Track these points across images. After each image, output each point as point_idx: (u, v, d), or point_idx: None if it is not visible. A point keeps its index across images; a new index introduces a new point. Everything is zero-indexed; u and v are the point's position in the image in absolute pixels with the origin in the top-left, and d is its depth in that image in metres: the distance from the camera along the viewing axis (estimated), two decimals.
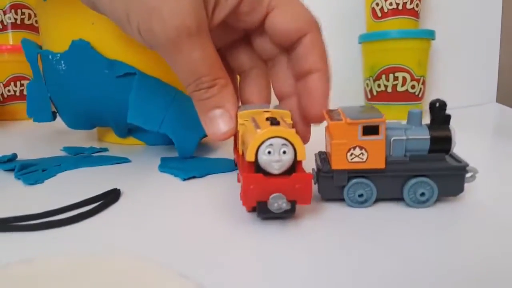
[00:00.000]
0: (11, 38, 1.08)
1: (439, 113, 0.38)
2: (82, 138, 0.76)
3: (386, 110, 0.91)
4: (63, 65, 0.60)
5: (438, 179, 0.37)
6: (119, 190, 0.43)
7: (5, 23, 1.07)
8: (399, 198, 0.38)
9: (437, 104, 0.38)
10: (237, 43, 0.44)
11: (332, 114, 0.39)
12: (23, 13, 1.07)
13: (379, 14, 0.93)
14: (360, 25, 1.04)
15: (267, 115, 0.37)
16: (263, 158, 0.33)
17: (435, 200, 0.37)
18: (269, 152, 0.33)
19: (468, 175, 0.37)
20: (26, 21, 1.08)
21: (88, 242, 0.32)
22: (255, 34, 0.42)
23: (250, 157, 0.33)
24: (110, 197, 0.41)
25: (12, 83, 1.06)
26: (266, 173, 0.33)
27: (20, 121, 1.05)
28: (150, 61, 0.58)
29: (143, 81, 0.55)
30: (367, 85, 0.95)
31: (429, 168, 0.37)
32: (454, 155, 0.39)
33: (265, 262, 0.29)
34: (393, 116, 0.88)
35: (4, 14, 1.06)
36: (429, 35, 0.90)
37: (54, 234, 0.34)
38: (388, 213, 0.37)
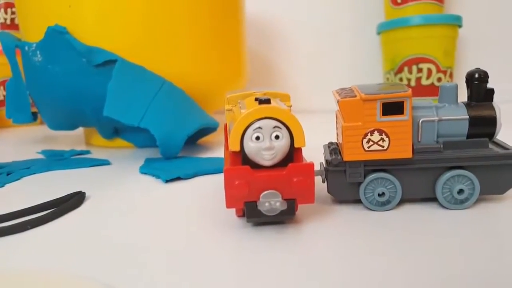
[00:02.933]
0: None
1: (480, 87, 0.30)
2: (68, 142, 0.70)
3: None
4: (39, 56, 0.53)
5: (480, 171, 0.30)
6: (84, 193, 0.36)
7: None
8: (430, 198, 0.30)
9: (477, 75, 0.30)
10: None
11: (342, 92, 0.31)
12: (13, 12, 1.01)
13: (399, 0, 0.85)
14: (377, 14, 0.97)
15: (259, 95, 0.30)
16: (251, 146, 0.26)
17: (476, 199, 0.29)
18: (257, 138, 0.25)
19: None
20: (16, 21, 1.02)
21: (32, 254, 0.26)
22: None
23: (234, 145, 0.26)
24: (72, 202, 0.34)
25: (1, 87, 1.01)
26: (255, 165, 0.26)
27: (11, 128, 0.98)
28: (135, 46, 0.51)
29: (124, 70, 0.48)
30: (388, 79, 0.88)
31: (469, 158, 0.29)
32: (499, 141, 0.32)
33: (256, 282, 0.21)
34: None
35: None
36: (456, 20, 0.82)
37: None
38: (417, 217, 0.29)
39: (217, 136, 0.67)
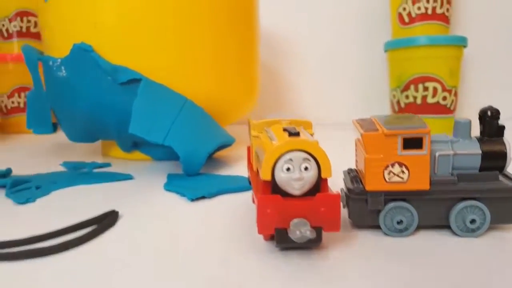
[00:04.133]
0: (16, 47, 1.04)
1: (492, 124, 0.32)
2: (85, 153, 0.71)
3: None
4: (63, 71, 0.55)
5: (491, 203, 0.31)
6: (117, 212, 0.38)
7: (10, 31, 1.03)
8: (444, 225, 0.32)
9: (489, 113, 0.32)
10: None
11: (364, 124, 0.33)
12: (28, 21, 1.03)
13: (406, 20, 0.88)
14: (384, 32, 0.99)
15: (286, 124, 0.32)
16: (281, 176, 0.27)
17: (487, 228, 0.32)
18: (288, 169, 0.27)
19: None
20: (32, 29, 1.04)
21: (76, 275, 0.27)
22: None
23: (265, 175, 0.28)
24: (106, 221, 0.35)
25: (16, 94, 1.03)
26: (285, 194, 0.28)
27: (24, 134, 1.00)
28: (158, 66, 0.53)
29: (148, 88, 0.50)
30: (394, 96, 0.89)
31: (481, 190, 0.31)
32: (508, 174, 0.34)
33: None
34: None
35: (10, 22, 1.02)
36: (461, 41, 0.84)
37: (38, 264, 0.29)
38: (432, 243, 0.31)
39: (233, 150, 0.68)
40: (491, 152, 0.32)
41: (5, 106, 1.03)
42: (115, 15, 0.53)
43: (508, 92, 1.02)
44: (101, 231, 0.34)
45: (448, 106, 0.85)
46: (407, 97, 0.86)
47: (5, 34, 1.03)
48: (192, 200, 0.42)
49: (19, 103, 1.03)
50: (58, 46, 0.57)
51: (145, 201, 0.43)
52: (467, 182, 0.32)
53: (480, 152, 0.32)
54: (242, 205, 0.40)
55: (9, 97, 1.02)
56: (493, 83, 1.02)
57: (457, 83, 0.87)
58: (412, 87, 0.85)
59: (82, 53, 0.53)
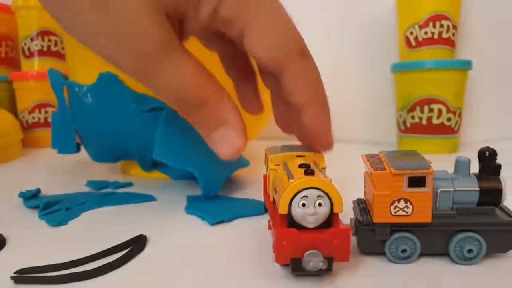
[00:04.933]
0: (37, 65, 1.08)
1: (489, 163, 0.36)
2: (105, 170, 0.75)
3: (421, 143, 0.89)
4: (89, 98, 0.59)
5: (487, 234, 0.34)
6: (145, 236, 0.41)
7: (32, 50, 1.07)
8: (444, 253, 0.36)
9: (487, 153, 0.36)
10: (234, 50, 0.39)
11: (373, 161, 0.36)
12: (49, 40, 1.07)
13: (413, 43, 0.90)
14: (392, 53, 1.02)
15: (300, 160, 0.35)
16: (297, 211, 0.30)
17: (482, 256, 0.35)
18: (303, 205, 0.30)
19: None
20: (53, 48, 1.08)
21: None
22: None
23: (283, 209, 0.31)
24: (137, 245, 0.39)
25: (37, 110, 1.06)
26: (300, 227, 0.31)
27: (44, 148, 1.04)
28: None
29: (170, 117, 0.54)
30: (400, 116, 0.92)
31: (478, 223, 0.35)
32: (504, 207, 0.37)
33: None
34: (428, 149, 0.86)
35: (32, 41, 1.06)
36: (466, 65, 0.87)
37: (77, 287, 0.32)
38: (433, 269, 0.34)
39: (247, 172, 0.71)
40: (488, 189, 0.35)
41: (26, 121, 1.06)
42: None
43: (509, 111, 1.04)
44: (133, 256, 0.37)
45: (453, 127, 0.88)
46: (413, 117, 0.89)
47: (27, 53, 1.07)
48: (212, 224, 0.46)
49: (39, 118, 1.06)
50: (84, 74, 0.60)
51: (169, 224, 0.46)
52: (465, 215, 0.35)
53: (478, 188, 0.35)
54: (258, 230, 0.44)
55: (30, 112, 1.06)
56: (497, 103, 1.04)
57: (462, 104, 0.89)
58: (418, 108, 0.88)
59: (108, 82, 0.56)
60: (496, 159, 0.36)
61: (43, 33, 1.06)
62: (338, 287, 0.32)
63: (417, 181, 0.34)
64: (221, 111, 0.33)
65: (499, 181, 0.35)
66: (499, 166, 0.36)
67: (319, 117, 0.35)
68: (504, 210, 0.36)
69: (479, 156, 0.36)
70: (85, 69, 0.60)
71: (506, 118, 1.04)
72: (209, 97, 0.32)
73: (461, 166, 0.36)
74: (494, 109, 1.05)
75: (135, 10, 0.28)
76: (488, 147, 0.36)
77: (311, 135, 0.36)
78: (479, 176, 0.36)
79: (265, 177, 0.40)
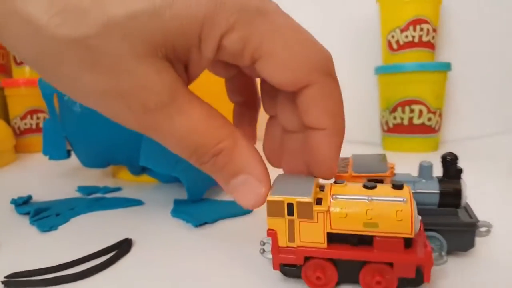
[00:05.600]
0: (28, 71, 1.10)
1: (451, 167, 0.38)
2: (96, 175, 0.77)
3: (403, 142, 0.92)
4: (78, 107, 0.60)
5: (447, 234, 0.36)
6: (130, 239, 0.43)
7: None
8: None
9: (448, 158, 0.38)
10: (241, 75, 0.36)
11: (340, 164, 0.39)
12: None
13: (395, 47, 0.93)
14: (377, 57, 1.04)
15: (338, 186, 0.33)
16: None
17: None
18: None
19: (482, 229, 0.37)
20: None
21: None
22: (248, 70, 0.34)
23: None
24: (122, 248, 0.41)
25: (28, 116, 1.08)
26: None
27: (37, 153, 1.06)
28: None
29: None
30: (383, 116, 0.95)
31: (439, 223, 0.36)
32: (468, 207, 0.39)
33: None
34: (410, 148, 0.89)
35: None
36: (445, 67, 0.90)
37: None
38: None
39: None
40: (448, 192, 0.37)
41: (18, 127, 1.09)
42: None
43: (490, 111, 1.07)
44: (118, 258, 0.39)
45: (433, 126, 0.90)
46: (395, 118, 0.91)
47: (18, 60, 1.09)
48: (196, 226, 0.48)
49: (31, 124, 1.09)
50: None
51: (155, 227, 0.48)
52: (427, 216, 0.36)
53: (439, 191, 0.37)
54: (241, 229, 0.46)
55: (22, 119, 1.08)
56: (476, 102, 1.07)
57: (442, 105, 0.92)
58: (399, 109, 0.90)
59: None
60: (456, 163, 0.38)
61: None
62: None
63: (376, 182, 0.36)
64: (238, 157, 0.30)
65: (459, 184, 0.37)
66: (460, 170, 0.37)
67: (332, 142, 0.32)
68: (467, 211, 0.38)
69: (442, 161, 0.38)
70: None
71: (486, 116, 1.07)
72: (223, 144, 0.30)
73: (424, 170, 0.38)
74: (475, 108, 1.07)
75: (134, 64, 0.26)
76: (450, 153, 0.38)
77: (315, 159, 0.33)
78: (441, 179, 0.38)
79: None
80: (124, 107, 0.27)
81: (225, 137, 0.30)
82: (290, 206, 0.30)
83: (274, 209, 0.31)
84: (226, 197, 0.59)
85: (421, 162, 0.39)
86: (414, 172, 0.40)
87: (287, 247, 0.32)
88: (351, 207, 0.30)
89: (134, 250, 0.42)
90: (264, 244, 0.33)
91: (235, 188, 0.31)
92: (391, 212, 0.29)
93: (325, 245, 0.31)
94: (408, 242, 0.30)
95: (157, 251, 0.41)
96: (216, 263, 0.38)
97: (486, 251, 0.38)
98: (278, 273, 0.34)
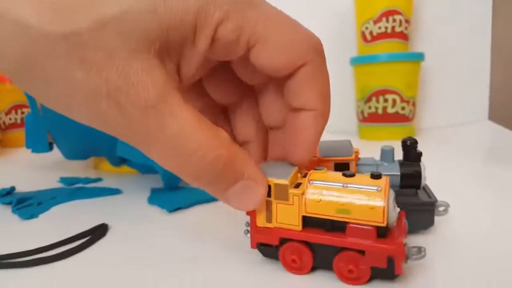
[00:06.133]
0: None
1: (411, 151, 0.40)
2: (78, 167, 0.79)
3: (378, 131, 0.94)
4: None
5: (409, 214, 0.38)
6: (106, 225, 0.45)
7: None
8: None
9: (408, 142, 0.40)
10: (218, 70, 0.35)
11: None
12: None
13: (369, 38, 0.95)
14: (354, 48, 1.07)
15: (319, 173, 0.34)
16: (393, 215, 0.31)
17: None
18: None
19: (440, 209, 0.39)
20: None
21: (76, 277, 0.35)
22: (237, 64, 0.34)
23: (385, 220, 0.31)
24: (98, 232, 0.43)
25: (13, 111, 1.10)
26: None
27: (21, 148, 1.07)
28: None
29: None
30: (358, 106, 0.98)
31: (400, 203, 0.37)
32: (427, 188, 0.41)
33: None
34: (385, 137, 0.91)
35: None
36: (419, 57, 0.92)
37: (44, 270, 0.36)
38: None
39: None
40: (409, 174, 0.39)
41: (3, 122, 1.10)
42: None
43: (464, 99, 1.09)
44: (94, 241, 0.42)
45: (407, 115, 0.93)
46: (369, 107, 0.94)
47: None
48: (170, 211, 0.50)
49: (16, 119, 1.10)
50: None
51: (131, 213, 0.50)
52: None
53: (399, 173, 0.39)
54: (215, 214, 0.48)
55: (7, 114, 1.09)
56: (450, 91, 1.09)
57: (415, 94, 0.95)
58: (374, 99, 0.93)
59: None
60: (416, 147, 0.40)
61: None
62: None
63: (342, 167, 0.38)
64: (236, 163, 0.29)
65: (418, 166, 0.39)
66: (420, 154, 0.39)
67: (318, 123, 0.32)
68: (426, 192, 0.41)
69: (402, 145, 0.40)
70: None
71: (460, 105, 1.09)
72: (220, 150, 0.28)
73: (386, 153, 0.40)
74: (450, 98, 1.10)
75: (127, 60, 0.25)
76: (409, 137, 0.40)
77: (298, 141, 0.33)
78: (402, 163, 0.40)
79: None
80: (113, 106, 0.25)
81: (221, 144, 0.28)
82: (268, 187, 0.31)
83: None
84: None
85: (382, 146, 0.41)
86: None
87: (265, 227, 0.33)
88: (325, 192, 0.31)
89: (109, 234, 0.44)
90: (249, 225, 0.34)
91: (234, 196, 0.30)
92: (363, 200, 0.30)
93: (300, 228, 0.32)
94: (382, 232, 0.30)
95: (132, 235, 0.43)
96: (190, 246, 0.40)
97: (445, 229, 0.41)
98: (252, 255, 0.36)
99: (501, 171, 0.61)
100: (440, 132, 1.02)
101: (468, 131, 0.99)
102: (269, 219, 0.33)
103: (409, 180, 0.39)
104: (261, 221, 0.33)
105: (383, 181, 0.31)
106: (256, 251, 0.35)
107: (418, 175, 0.39)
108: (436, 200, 0.39)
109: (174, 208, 0.50)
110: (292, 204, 0.31)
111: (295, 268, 0.33)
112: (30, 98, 0.67)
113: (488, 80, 1.08)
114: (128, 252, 0.39)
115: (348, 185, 0.31)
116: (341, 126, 1.11)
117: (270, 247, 0.34)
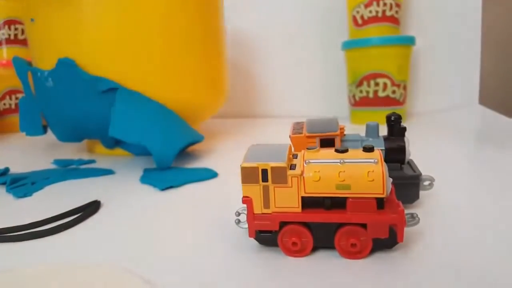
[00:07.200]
0: (6, 53, 1.12)
1: (395, 126, 0.40)
2: (73, 150, 0.80)
3: (370, 115, 0.95)
4: (50, 82, 0.63)
5: (394, 188, 0.39)
6: (99, 202, 0.46)
7: (0, 39, 1.11)
8: None
9: (393, 118, 0.40)
10: None
11: (296, 126, 0.42)
12: (16, 29, 1.10)
13: (360, 22, 0.96)
14: (346, 32, 1.07)
15: (313, 151, 0.34)
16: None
17: None
18: None
19: (425, 183, 0.40)
20: (20, 36, 1.12)
21: (69, 250, 0.35)
22: None
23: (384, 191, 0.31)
24: (90, 209, 0.44)
25: (7, 97, 1.10)
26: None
27: (17, 133, 1.09)
28: (133, 76, 0.61)
29: (124, 96, 0.58)
30: (350, 91, 0.98)
31: None
32: (412, 164, 0.42)
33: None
34: (377, 120, 0.91)
35: None
36: (409, 41, 0.93)
37: (38, 243, 0.37)
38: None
39: (201, 146, 0.77)
40: (393, 148, 0.40)
41: None
42: (94, 33, 0.61)
43: (454, 83, 1.10)
44: (86, 217, 0.43)
45: (398, 98, 0.93)
46: (361, 91, 0.94)
47: None
48: (162, 189, 0.51)
49: (10, 104, 1.11)
50: (45, 59, 0.65)
51: (123, 192, 0.51)
52: None
53: (384, 148, 0.40)
54: (206, 193, 0.49)
55: (1, 99, 1.10)
56: (441, 75, 1.10)
57: (406, 77, 0.95)
58: (365, 83, 0.93)
59: (66, 67, 0.60)
60: (400, 122, 0.40)
61: (10, 22, 1.10)
62: None
63: (327, 142, 0.39)
64: None
65: (402, 141, 0.40)
66: (404, 129, 0.40)
67: None
68: (411, 166, 0.42)
69: (386, 121, 0.41)
70: (46, 56, 0.65)
71: (452, 89, 1.10)
72: None
73: (371, 129, 0.41)
74: (441, 81, 1.11)
75: None
76: (393, 113, 0.40)
77: None
78: (387, 138, 0.40)
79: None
80: None
81: None
82: (264, 172, 0.31)
83: (248, 176, 0.31)
84: (194, 164, 0.62)
85: (367, 122, 0.41)
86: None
87: (263, 213, 0.32)
88: (324, 170, 0.31)
89: (101, 211, 0.45)
90: (239, 214, 0.34)
91: None
92: (363, 173, 0.30)
93: (299, 209, 0.31)
94: (380, 203, 0.31)
95: (123, 211, 0.44)
96: (180, 223, 0.41)
97: (431, 203, 0.42)
98: (244, 236, 0.37)
99: (489, 152, 0.62)
100: (431, 116, 1.03)
101: (458, 115, 1.00)
102: (266, 205, 0.32)
103: (393, 155, 0.40)
104: (258, 208, 0.32)
105: (377, 154, 0.31)
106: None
107: (402, 149, 0.40)
108: (420, 174, 0.39)
109: (166, 187, 0.51)
110: (291, 187, 0.31)
111: (295, 251, 0.32)
112: (23, 80, 0.68)
113: (478, 65, 1.09)
114: (119, 227, 0.40)
115: (346, 161, 0.31)
116: (333, 111, 1.12)
117: (269, 233, 0.33)
